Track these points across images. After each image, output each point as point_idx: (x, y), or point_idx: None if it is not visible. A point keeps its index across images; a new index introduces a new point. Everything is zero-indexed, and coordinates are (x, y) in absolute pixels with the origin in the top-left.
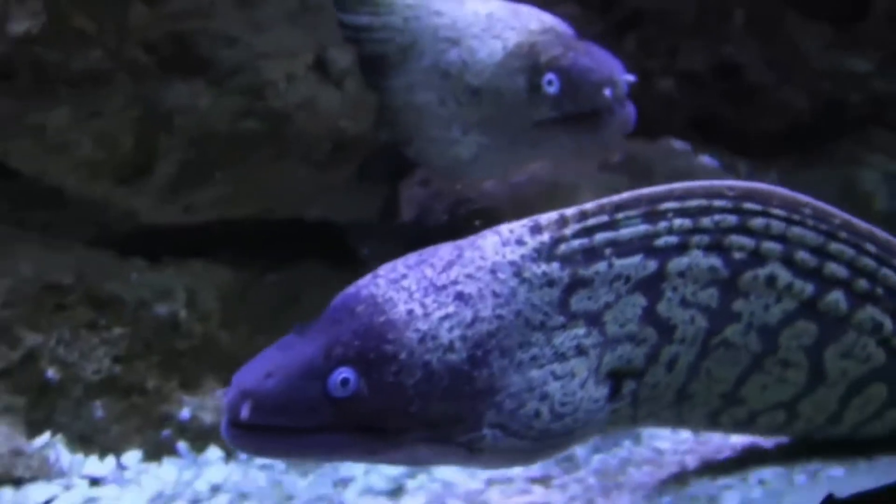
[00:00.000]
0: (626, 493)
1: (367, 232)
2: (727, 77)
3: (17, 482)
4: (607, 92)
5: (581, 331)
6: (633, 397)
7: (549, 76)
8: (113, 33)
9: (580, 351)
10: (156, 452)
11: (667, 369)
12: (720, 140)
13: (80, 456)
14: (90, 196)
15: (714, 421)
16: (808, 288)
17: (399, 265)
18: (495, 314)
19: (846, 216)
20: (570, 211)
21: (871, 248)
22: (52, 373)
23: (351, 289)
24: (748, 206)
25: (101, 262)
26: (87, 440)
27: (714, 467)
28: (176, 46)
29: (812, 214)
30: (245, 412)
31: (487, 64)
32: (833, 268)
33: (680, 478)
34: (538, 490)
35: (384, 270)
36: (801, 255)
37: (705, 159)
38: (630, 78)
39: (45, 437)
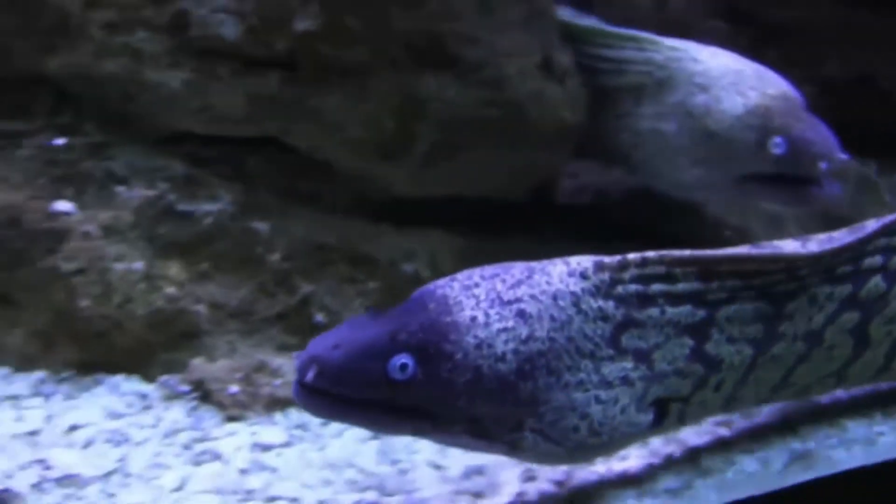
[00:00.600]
0: (798, 436)
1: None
2: (862, 85)
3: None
4: (823, 165)
5: (629, 364)
6: (679, 415)
7: (778, 139)
8: (377, 32)
9: (626, 381)
10: None
11: (714, 390)
12: (853, 142)
13: None
14: (354, 170)
15: (764, 402)
16: (848, 288)
17: (475, 274)
18: (549, 336)
19: (881, 222)
20: (632, 256)
21: None
22: (320, 317)
23: (430, 286)
24: (798, 265)
25: (358, 227)
26: None
27: (868, 417)
28: (429, 44)
29: (854, 244)
30: (311, 375)
31: (728, 115)
32: (868, 262)
33: (840, 425)
34: (722, 430)
35: (462, 276)
36: (841, 270)
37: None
38: (845, 157)
39: None
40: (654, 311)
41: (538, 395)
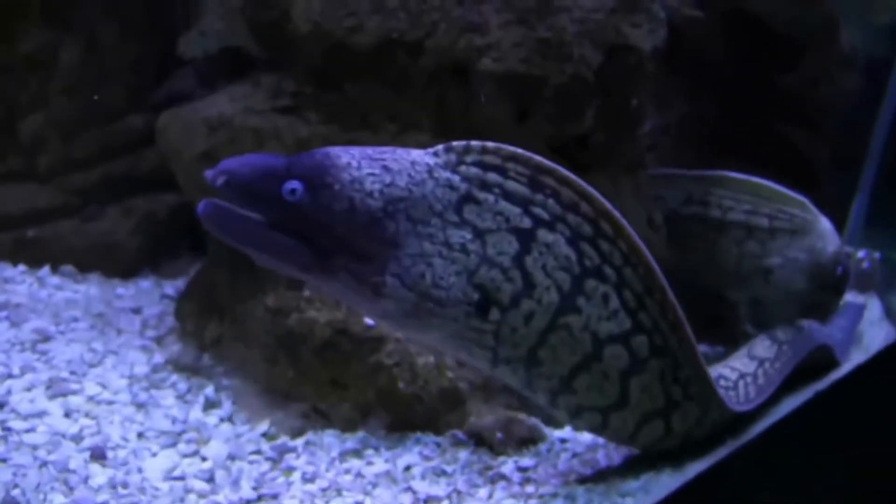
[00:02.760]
0: None
1: None
2: None
3: None
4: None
5: (468, 235)
6: (496, 330)
7: (840, 267)
8: None
9: (463, 249)
10: None
11: (525, 322)
12: None
13: None
14: None
15: (555, 402)
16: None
17: (350, 147)
18: (408, 187)
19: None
20: (475, 143)
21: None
22: None
23: (320, 147)
24: (603, 224)
25: None
26: None
27: None
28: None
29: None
30: (221, 182)
31: (827, 253)
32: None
33: None
34: None
35: (340, 147)
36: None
37: None
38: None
39: None
40: (490, 196)
41: (399, 238)
